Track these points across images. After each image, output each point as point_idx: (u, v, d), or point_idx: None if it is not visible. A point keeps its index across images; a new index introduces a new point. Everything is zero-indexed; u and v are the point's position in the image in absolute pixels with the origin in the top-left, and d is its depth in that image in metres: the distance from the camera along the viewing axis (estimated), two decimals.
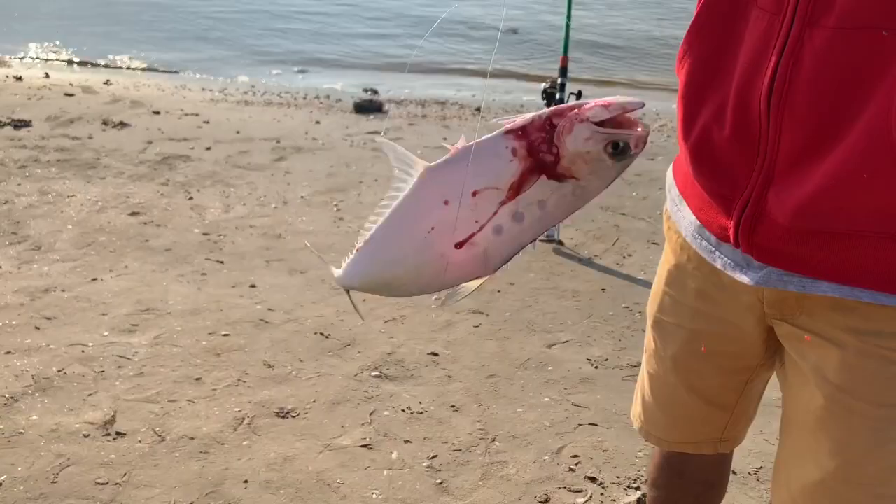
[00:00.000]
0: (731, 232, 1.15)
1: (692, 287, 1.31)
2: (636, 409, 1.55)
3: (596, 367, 3.08)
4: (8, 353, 2.97)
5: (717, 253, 1.22)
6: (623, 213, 5.05)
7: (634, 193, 5.48)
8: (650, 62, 11.01)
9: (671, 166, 1.40)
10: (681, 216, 1.31)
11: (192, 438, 2.51)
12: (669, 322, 1.37)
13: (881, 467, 1.11)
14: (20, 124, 6.47)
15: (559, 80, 4.54)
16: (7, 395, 2.69)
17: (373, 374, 2.97)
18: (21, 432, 2.49)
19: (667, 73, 10.65)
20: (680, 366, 1.38)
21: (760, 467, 2.48)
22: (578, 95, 4.56)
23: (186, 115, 7.18)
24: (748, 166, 1.10)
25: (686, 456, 1.54)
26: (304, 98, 8.59)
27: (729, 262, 1.20)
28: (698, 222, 1.25)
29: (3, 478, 2.27)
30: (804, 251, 1.09)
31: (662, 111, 8.75)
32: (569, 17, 4.57)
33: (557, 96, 4.53)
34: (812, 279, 1.10)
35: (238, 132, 6.60)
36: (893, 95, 0.95)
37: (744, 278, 1.17)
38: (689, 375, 1.38)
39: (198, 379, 2.87)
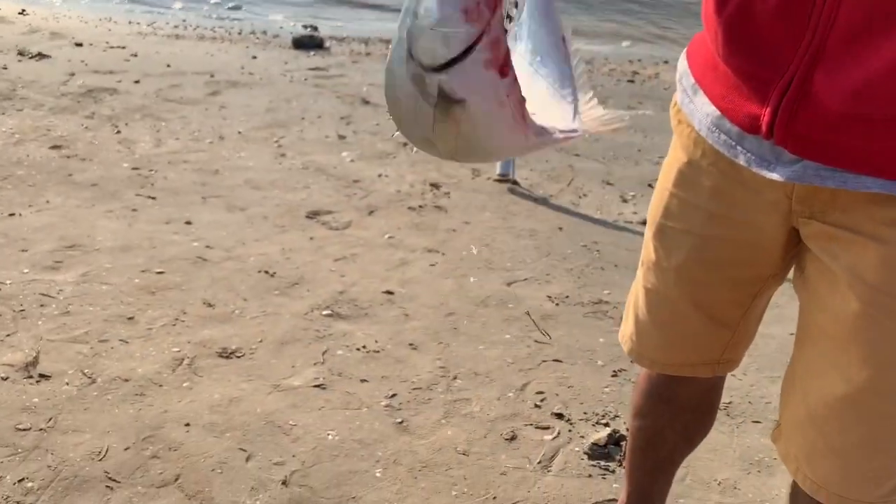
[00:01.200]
0: (764, 120, 1.00)
1: (707, 185, 1.16)
2: (626, 330, 1.41)
3: (557, 304, 2.96)
4: None
5: (739, 147, 1.08)
6: (577, 154, 4.94)
7: (587, 136, 5.34)
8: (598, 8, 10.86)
9: (684, 53, 1.24)
10: (694, 108, 1.16)
11: (126, 380, 2.29)
12: (676, 228, 1.22)
13: None
14: None
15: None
16: None
17: (324, 312, 2.78)
18: None
19: (612, 19, 10.53)
20: (684, 277, 1.24)
21: (730, 402, 2.41)
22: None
23: (112, 47, 6.68)
24: (795, 42, 0.95)
25: (677, 380, 1.41)
26: (240, 34, 8.13)
27: (754, 157, 1.06)
28: (718, 112, 1.10)
29: None
30: (850, 142, 0.96)
31: (610, 55, 8.65)
32: None
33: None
34: (855, 174, 0.97)
35: (168, 66, 6.17)
36: None
37: (773, 175, 1.03)
38: (695, 288, 1.24)
39: (130, 318, 2.62)
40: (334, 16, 9.55)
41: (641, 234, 3.70)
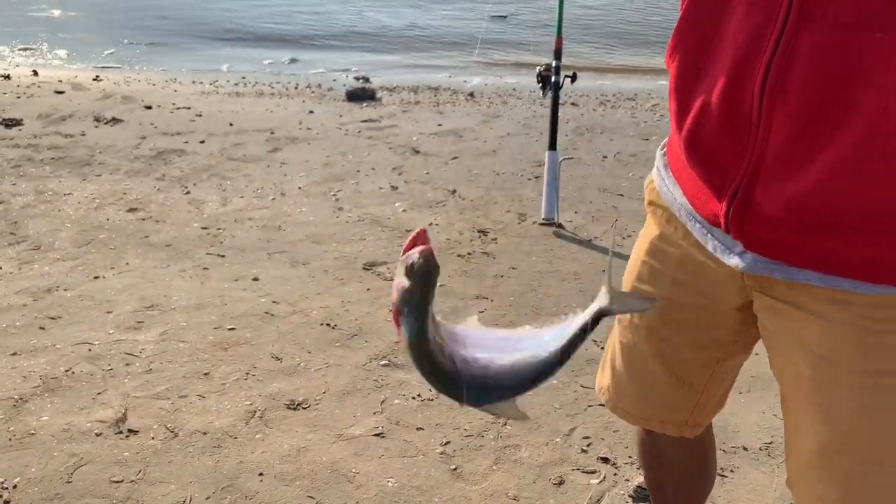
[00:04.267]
0: (721, 218, 1.17)
1: (675, 255, 1.33)
2: (603, 382, 1.57)
3: (602, 349, 3.08)
4: (14, 354, 2.96)
5: (709, 235, 1.24)
6: (620, 195, 5.06)
7: (630, 174, 5.48)
8: (644, 46, 10.99)
9: (664, 143, 1.42)
10: (673, 197, 1.32)
11: (204, 433, 2.52)
12: (647, 291, 1.38)
13: (870, 436, 1.13)
14: (11, 123, 6.41)
15: (554, 63, 4.53)
16: (16, 397, 2.68)
17: (381, 363, 2.97)
18: (32, 433, 2.49)
19: (659, 56, 10.64)
20: (654, 334, 1.40)
21: (771, 442, 2.50)
22: (573, 78, 4.56)
23: (178, 108, 7.13)
24: (738, 157, 1.12)
25: (662, 438, 1.55)
26: (296, 88, 8.54)
27: (719, 244, 1.22)
28: (691, 207, 1.26)
29: (17, 479, 2.27)
30: (792, 242, 1.12)
31: (654, 90, 8.75)
32: None
33: (553, 79, 4.52)
34: (798, 268, 1.13)
35: (231, 124, 6.56)
36: (891, 94, 0.96)
37: (731, 262, 1.20)
38: (663, 345, 1.40)
39: (206, 374, 2.87)
40: (385, 64, 9.93)
41: None
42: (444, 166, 5.61)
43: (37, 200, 4.69)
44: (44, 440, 2.46)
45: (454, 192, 5.05)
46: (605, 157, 5.91)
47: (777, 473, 2.37)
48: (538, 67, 4.63)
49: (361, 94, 7.77)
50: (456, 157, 5.83)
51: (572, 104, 7.71)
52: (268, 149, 5.92)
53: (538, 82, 4.64)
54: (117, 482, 2.28)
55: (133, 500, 2.21)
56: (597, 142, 6.35)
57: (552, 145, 4.47)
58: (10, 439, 2.46)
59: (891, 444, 1.12)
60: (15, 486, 2.25)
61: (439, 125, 6.80)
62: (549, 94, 4.56)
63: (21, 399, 2.67)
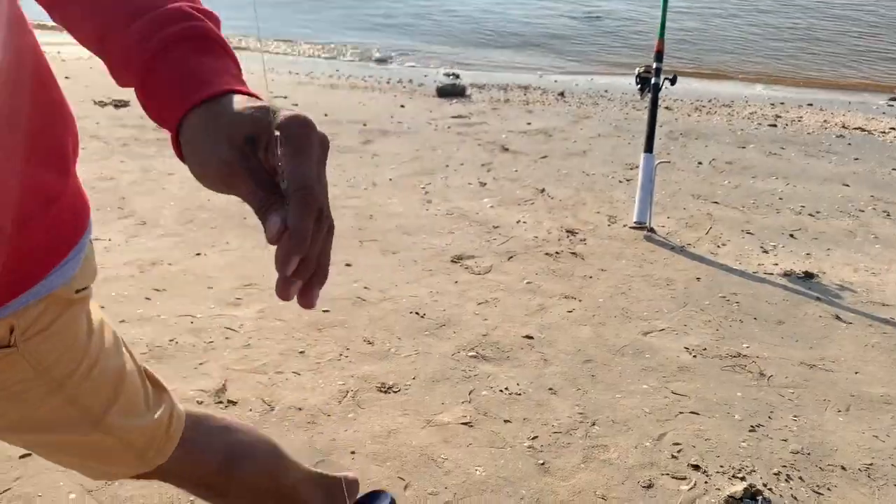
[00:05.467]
0: None
1: None
2: None
3: (694, 356, 3.04)
4: (122, 321, 3.13)
5: None
6: (715, 202, 4.94)
7: (726, 182, 5.35)
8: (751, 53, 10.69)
9: None
10: None
11: (299, 409, 2.60)
12: None
13: None
14: (120, 104, 6.75)
15: (654, 65, 4.47)
16: None
17: (469, 354, 3.00)
18: None
19: (755, 61, 10.32)
20: None
21: (871, 464, 2.41)
22: (673, 81, 4.49)
23: (276, 97, 7.35)
24: None
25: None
26: (388, 82, 8.68)
27: None
28: None
29: None
30: None
31: (751, 97, 8.51)
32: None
33: (653, 81, 4.46)
34: None
35: (326, 115, 6.73)
36: None
37: None
38: None
39: (302, 352, 2.96)
40: (476, 62, 9.97)
41: (782, 287, 3.71)
42: (532, 165, 5.60)
43: (143, 178, 4.93)
44: None
45: (543, 190, 5.04)
46: (699, 163, 5.78)
47: (878, 497, 2.28)
48: (637, 69, 4.57)
49: (451, 91, 7.83)
50: (545, 157, 5.81)
51: (666, 108, 7.57)
52: (360, 140, 6.04)
53: (636, 84, 4.59)
54: None
55: None
56: (691, 147, 6.22)
57: (648, 148, 4.40)
58: None
59: None
60: None
61: (528, 124, 6.79)
62: (648, 95, 4.50)
63: None
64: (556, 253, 4.05)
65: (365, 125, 6.43)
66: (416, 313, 3.32)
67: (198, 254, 3.83)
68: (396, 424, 2.54)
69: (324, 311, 3.29)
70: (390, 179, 5.13)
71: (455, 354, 3.00)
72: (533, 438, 2.50)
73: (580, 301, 3.51)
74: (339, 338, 3.08)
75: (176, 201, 4.53)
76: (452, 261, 3.91)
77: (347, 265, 3.77)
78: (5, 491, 2.15)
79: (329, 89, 8.03)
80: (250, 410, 2.58)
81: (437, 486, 2.26)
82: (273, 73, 8.73)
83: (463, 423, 2.56)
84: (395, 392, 2.73)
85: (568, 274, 3.80)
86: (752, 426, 2.59)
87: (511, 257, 3.98)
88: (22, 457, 2.29)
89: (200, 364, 2.85)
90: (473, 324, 3.26)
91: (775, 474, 2.35)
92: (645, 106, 7.54)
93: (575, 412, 2.65)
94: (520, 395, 2.75)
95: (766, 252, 4.20)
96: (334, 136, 6.06)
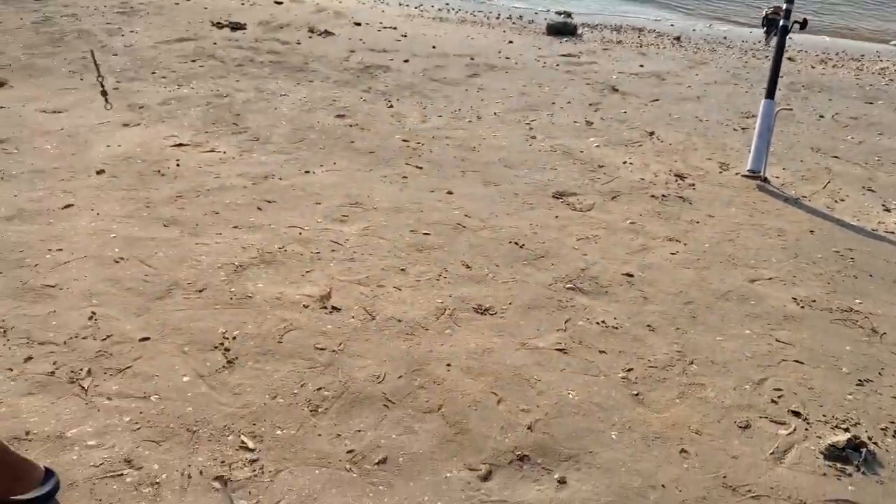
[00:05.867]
0: None
1: None
2: None
3: (802, 307, 2.93)
4: (235, 227, 3.27)
5: None
6: (836, 157, 4.68)
7: (849, 137, 5.04)
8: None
9: None
10: None
11: (399, 321, 2.67)
12: None
13: None
14: (236, 27, 6.91)
15: (785, 6, 4.22)
16: (236, 263, 2.97)
17: (567, 286, 3.00)
18: (250, 296, 2.76)
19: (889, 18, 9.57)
20: None
21: None
22: (803, 25, 4.23)
23: (385, 27, 7.36)
24: None
25: None
26: (497, 18, 8.53)
27: None
28: None
29: (236, 332, 2.54)
30: None
31: (884, 53, 7.93)
32: None
33: (781, 23, 4.22)
34: None
35: (434, 47, 6.69)
36: None
37: None
38: None
39: (402, 269, 3.02)
40: (589, 1, 9.65)
41: None
42: (643, 108, 5.43)
43: (257, 97, 5.07)
44: (259, 304, 2.71)
45: (652, 133, 4.89)
46: (821, 116, 5.46)
47: None
48: (765, 9, 4.33)
49: (562, 29, 7.63)
50: (656, 100, 5.62)
51: (789, 59, 7.15)
52: (467, 73, 6.00)
53: (763, 26, 4.35)
54: (321, 349, 2.48)
55: (334, 367, 2.40)
56: (813, 100, 5.87)
57: (770, 94, 4.19)
58: (231, 298, 2.73)
59: None
60: (234, 338, 2.51)
61: (641, 66, 6.56)
62: (774, 38, 4.26)
63: (241, 266, 2.96)
64: (663, 196, 3.94)
65: (472, 59, 6.37)
66: (515, 243, 3.32)
67: (307, 171, 3.93)
68: (491, 344, 2.58)
69: (424, 233, 3.33)
70: (495, 113, 5.09)
71: (552, 285, 3.00)
72: (628, 370, 2.49)
73: (685, 245, 3.42)
74: (438, 259, 3.13)
75: (287, 121, 4.65)
76: (554, 196, 3.87)
77: (449, 193, 3.80)
78: (127, 368, 2.32)
79: (438, 22, 7.97)
80: (352, 318, 2.67)
81: (530, 403, 2.29)
82: (383, 5, 8.73)
83: (557, 350, 2.58)
84: (492, 314, 2.76)
85: (674, 217, 3.70)
86: (860, 380, 2.50)
87: (615, 197, 3.91)
88: (141, 339, 2.46)
89: (307, 272, 2.95)
90: (572, 258, 3.23)
91: (882, 429, 2.27)
92: (766, 55, 7.16)
93: (673, 350, 2.62)
94: (616, 328, 2.73)
95: (888, 210, 3.96)
96: (441, 69, 6.04)
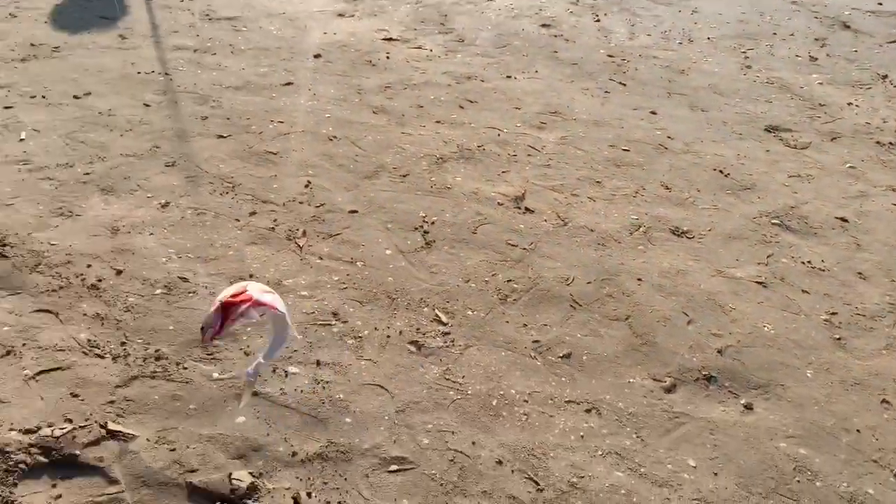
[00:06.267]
0: None
1: None
2: None
3: None
4: (438, 122, 3.35)
5: None
6: None
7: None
8: None
9: None
10: None
11: (591, 230, 2.66)
12: None
13: None
14: None
15: None
16: (437, 156, 3.06)
17: (773, 221, 2.84)
18: (449, 188, 2.84)
19: None
20: None
21: None
22: None
23: None
24: None
25: None
26: None
27: None
28: None
29: (435, 218, 2.64)
30: None
31: None
32: None
33: None
34: None
35: None
36: None
37: None
38: None
39: (598, 182, 2.99)
40: None
41: None
42: (877, 49, 4.91)
43: (464, 0, 5.08)
44: (457, 195, 2.80)
45: (885, 77, 4.43)
46: None
47: None
48: None
49: None
50: (895, 42, 5.05)
51: None
52: None
53: None
54: (513, 245, 2.53)
55: (524, 263, 2.45)
56: None
57: None
58: (432, 187, 2.83)
59: None
60: (433, 223, 2.61)
61: (880, 4, 5.89)
62: None
63: (441, 158, 3.04)
64: (890, 144, 3.59)
65: None
66: (720, 171, 3.17)
67: (508, 76, 3.93)
68: (686, 266, 2.52)
69: (623, 149, 3.26)
70: (708, 38, 4.80)
71: (756, 218, 2.85)
72: (832, 314, 2.35)
73: None
74: (636, 177, 3.06)
75: (493, 26, 4.64)
76: (766, 129, 3.63)
77: (652, 113, 3.67)
78: (336, 234, 2.49)
79: None
80: (545, 221, 2.69)
81: (722, 329, 2.23)
82: None
83: (756, 282, 2.47)
84: (689, 238, 2.68)
85: None
86: None
87: (835, 139, 3.61)
88: (350, 211, 2.62)
89: (504, 172, 2.99)
90: (781, 194, 3.05)
91: None
92: None
93: (885, 301, 2.43)
94: (823, 271, 2.57)
95: None
96: None
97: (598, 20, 4.92)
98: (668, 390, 2.00)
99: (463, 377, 1.96)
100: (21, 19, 4.03)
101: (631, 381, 2.02)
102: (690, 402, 1.97)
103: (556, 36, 4.57)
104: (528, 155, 3.14)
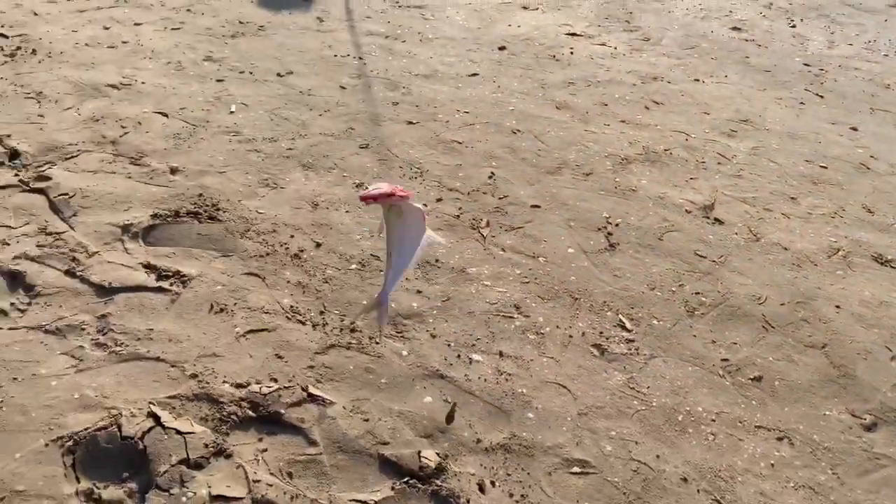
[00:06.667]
0: None
1: None
2: None
3: None
4: (623, 121, 3.29)
5: None
6: None
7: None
8: None
9: None
10: None
11: (785, 249, 2.53)
12: None
13: None
14: None
15: None
16: (622, 156, 3.01)
17: None
18: (634, 190, 2.79)
19: None
20: None
21: None
22: None
23: None
24: None
25: None
26: None
27: None
28: None
29: (619, 220, 2.60)
30: None
31: None
32: None
33: None
34: None
35: None
36: None
37: None
38: None
39: (793, 198, 2.83)
40: None
41: None
42: None
43: None
44: (642, 198, 2.74)
45: None
46: None
47: None
48: None
49: None
50: None
51: None
52: (889, 2, 5.25)
53: None
54: (701, 256, 2.45)
55: (713, 276, 2.36)
56: None
57: None
58: (616, 188, 2.79)
59: None
60: (617, 225, 2.57)
61: None
62: None
63: (626, 159, 2.99)
64: None
65: None
66: None
67: (696, 79, 3.80)
68: (890, 298, 2.34)
69: (821, 166, 3.07)
70: None
71: None
72: None
73: None
74: (834, 197, 2.87)
75: (680, 26, 4.49)
76: None
77: (853, 129, 3.43)
78: (519, 228, 2.51)
79: None
80: (735, 234, 2.59)
81: None
82: None
83: None
84: (893, 267, 2.49)
85: None
86: None
87: None
88: (533, 206, 2.63)
89: (691, 179, 2.90)
90: None
91: None
92: None
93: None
94: None
95: None
96: None
97: (793, 26, 4.65)
98: (869, 428, 1.87)
99: (647, 388, 1.93)
100: None
101: (827, 413, 1.91)
102: (893, 445, 1.83)
103: (747, 40, 4.36)
104: (718, 163, 3.02)
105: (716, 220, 2.65)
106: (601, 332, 2.09)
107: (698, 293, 2.28)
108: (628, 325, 2.13)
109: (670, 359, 2.03)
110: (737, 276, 2.38)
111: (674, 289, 2.29)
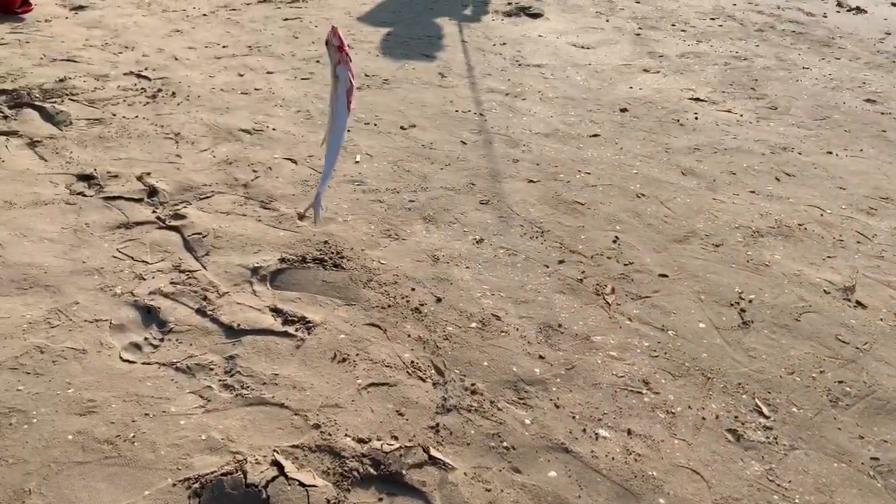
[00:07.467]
0: None
1: None
2: None
3: None
4: (752, 192, 3.16)
5: None
6: None
7: None
8: None
9: None
10: None
11: None
12: None
13: None
14: None
15: None
16: (753, 228, 2.87)
17: None
18: (767, 265, 2.65)
19: None
20: None
21: None
22: None
23: None
24: None
25: None
26: None
27: None
28: None
29: (752, 297, 2.46)
30: None
31: None
32: None
33: None
34: None
35: None
36: None
37: None
38: None
39: None
40: None
41: None
42: None
43: (777, 66, 4.80)
44: (776, 275, 2.59)
45: None
46: None
47: None
48: None
49: None
50: None
51: None
52: None
53: None
54: (843, 342, 2.28)
55: (857, 364, 2.19)
56: None
57: None
58: (748, 262, 2.66)
59: None
60: (750, 301, 2.44)
61: None
62: None
63: (757, 232, 2.85)
64: None
65: None
66: None
67: (829, 152, 3.63)
68: None
69: None
70: None
71: None
72: None
73: None
74: None
75: (809, 96, 4.33)
76: None
77: None
78: (646, 297, 2.41)
79: None
80: (881, 320, 2.40)
81: None
82: None
83: None
84: None
85: None
86: None
87: None
88: (660, 275, 2.53)
89: (829, 257, 2.73)
90: None
91: None
92: None
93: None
94: None
95: None
96: None
97: None
98: None
99: (789, 482, 1.78)
100: (357, 51, 4.46)
101: None
102: None
103: (883, 113, 4.16)
104: (857, 242, 2.85)
105: (857, 303, 2.48)
106: (736, 416, 1.96)
107: (841, 381, 2.12)
108: (766, 410, 1.99)
109: (812, 452, 1.87)
110: (884, 366, 2.20)
111: (814, 375, 2.13)
